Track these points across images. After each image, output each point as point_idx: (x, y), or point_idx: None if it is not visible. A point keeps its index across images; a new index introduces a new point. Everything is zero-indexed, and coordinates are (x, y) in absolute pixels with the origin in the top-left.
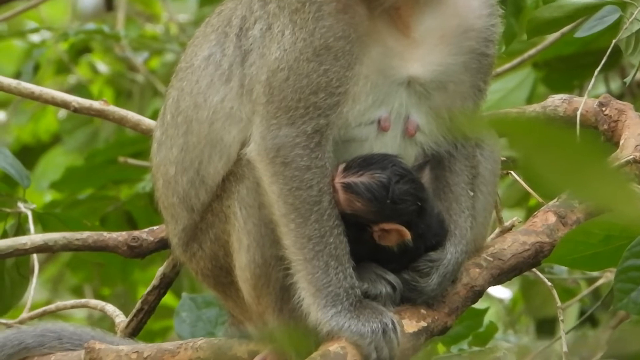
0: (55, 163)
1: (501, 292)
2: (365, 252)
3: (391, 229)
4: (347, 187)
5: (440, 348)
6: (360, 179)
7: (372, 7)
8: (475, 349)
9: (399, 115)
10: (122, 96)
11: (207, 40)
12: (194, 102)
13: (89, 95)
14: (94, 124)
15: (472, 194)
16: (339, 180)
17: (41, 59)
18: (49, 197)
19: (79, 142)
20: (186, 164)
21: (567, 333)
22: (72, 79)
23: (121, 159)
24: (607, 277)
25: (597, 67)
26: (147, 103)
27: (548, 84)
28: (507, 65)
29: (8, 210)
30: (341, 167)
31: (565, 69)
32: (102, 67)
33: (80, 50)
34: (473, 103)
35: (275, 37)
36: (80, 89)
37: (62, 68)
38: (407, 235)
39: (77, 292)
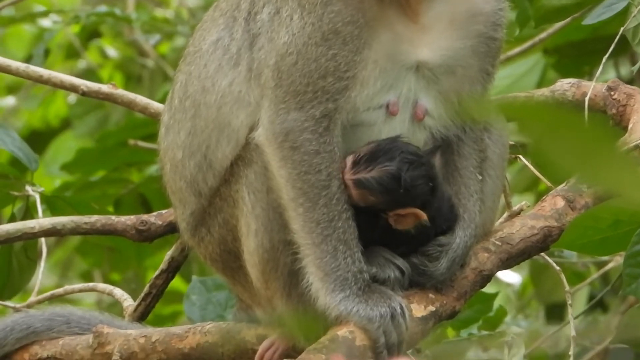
0: (65, 147)
1: (511, 276)
2: (376, 236)
3: (407, 213)
4: (359, 184)
5: (450, 332)
6: (370, 174)
7: None
8: (485, 333)
9: (408, 99)
10: (132, 81)
11: (216, 25)
12: (202, 86)
13: (98, 80)
14: (104, 108)
15: (480, 177)
16: (349, 176)
17: (51, 43)
18: (59, 182)
19: (89, 126)
20: (193, 148)
21: (576, 318)
22: (81, 64)
23: (131, 141)
24: (616, 261)
25: (606, 53)
26: (157, 88)
27: (558, 70)
28: (516, 50)
29: (16, 193)
30: (349, 160)
31: (576, 55)
32: (112, 52)
33: (90, 35)
34: (481, 87)
35: (283, 21)
36: (89, 74)
37: (72, 53)
38: (424, 216)
39: (86, 277)
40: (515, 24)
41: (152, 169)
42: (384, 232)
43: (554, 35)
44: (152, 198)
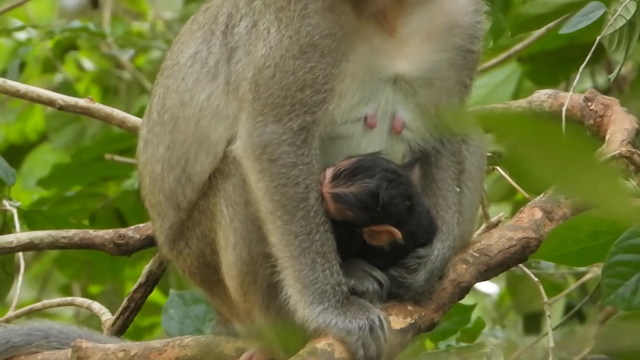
0: (42, 161)
1: (488, 287)
2: (353, 249)
3: (381, 230)
4: (337, 198)
5: (428, 344)
6: (349, 190)
7: (359, 9)
8: (463, 344)
9: (386, 112)
10: (109, 94)
11: (194, 38)
12: (181, 99)
13: (75, 93)
14: (81, 121)
15: (458, 189)
16: (327, 189)
17: (27, 57)
18: (36, 195)
19: (66, 139)
20: (172, 162)
21: (554, 329)
22: (58, 77)
23: (108, 156)
24: (594, 272)
25: (583, 61)
26: (134, 100)
27: (533, 78)
28: (493, 61)
29: None
30: (329, 173)
31: (551, 63)
32: (89, 64)
33: (66, 48)
34: (459, 99)
35: (261, 34)
36: (66, 87)
37: (49, 66)
38: (398, 234)
39: (65, 291)
40: (489, 35)
41: (128, 183)
42: (361, 246)
43: (530, 44)
44: (128, 212)
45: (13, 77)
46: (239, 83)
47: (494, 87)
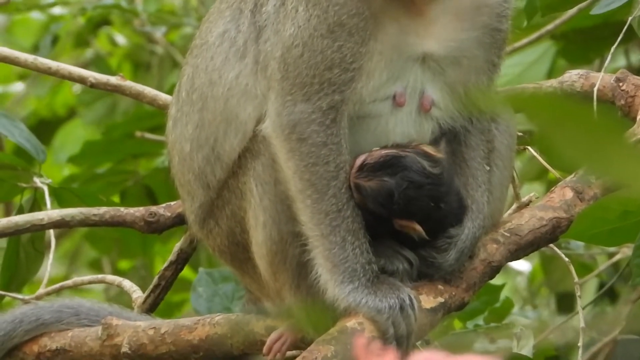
0: (73, 136)
1: (521, 264)
2: (384, 231)
3: (404, 225)
4: (357, 188)
5: (457, 324)
6: (368, 184)
7: None
8: (492, 324)
9: (414, 90)
10: (141, 69)
11: (222, 17)
12: (209, 79)
13: (107, 68)
14: (112, 96)
15: (488, 168)
16: (352, 178)
17: (60, 32)
18: (67, 170)
19: (97, 114)
20: (201, 141)
21: (584, 308)
22: (90, 52)
23: (138, 133)
24: (623, 252)
25: (615, 39)
26: (166, 75)
27: (566, 56)
28: (525, 40)
29: (24, 185)
30: (357, 162)
31: (584, 42)
32: (121, 39)
33: (99, 23)
34: (487, 78)
35: (289, 13)
36: (98, 62)
37: (81, 41)
38: (420, 231)
39: (95, 266)
40: (523, 14)
41: (159, 161)
42: (389, 229)
43: (562, 23)
44: (158, 190)
45: (45, 53)
46: (267, 62)
47: (527, 65)
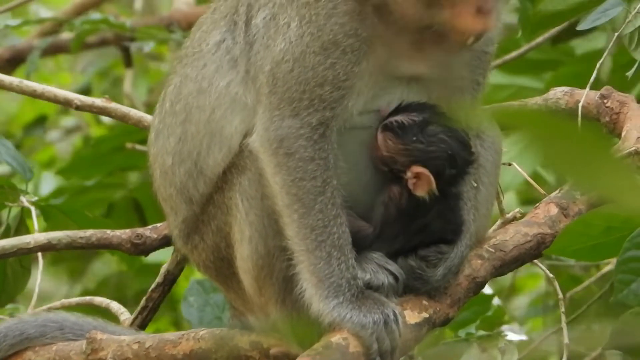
0: None
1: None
2: (397, 215)
3: (420, 174)
4: (385, 127)
5: (448, 333)
6: (395, 118)
7: (383, 17)
8: (483, 333)
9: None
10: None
11: (217, 27)
12: (198, 87)
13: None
14: None
15: (475, 184)
16: (384, 118)
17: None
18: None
19: None
20: (183, 155)
21: (568, 322)
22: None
23: (128, 145)
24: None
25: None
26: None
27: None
28: (513, 54)
29: (10, 204)
30: (388, 112)
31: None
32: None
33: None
34: (471, 96)
35: (280, 28)
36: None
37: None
38: (433, 183)
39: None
40: (517, 25)
41: (147, 174)
42: (406, 205)
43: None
44: (146, 203)
45: (32, 67)
46: (257, 75)
47: (519, 88)
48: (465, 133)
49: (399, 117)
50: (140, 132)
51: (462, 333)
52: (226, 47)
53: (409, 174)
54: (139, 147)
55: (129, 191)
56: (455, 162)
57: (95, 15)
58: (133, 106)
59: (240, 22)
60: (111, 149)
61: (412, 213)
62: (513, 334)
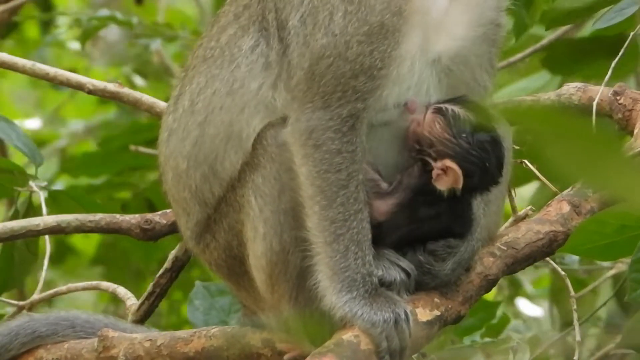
0: None
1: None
2: (409, 195)
3: (450, 169)
4: (438, 110)
5: (451, 338)
6: (453, 107)
7: None
8: (488, 340)
9: (426, 97)
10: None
11: (247, 32)
12: (228, 88)
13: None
14: None
15: None
16: (434, 104)
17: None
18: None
19: None
20: (200, 159)
21: (581, 324)
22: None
23: (132, 147)
24: (618, 267)
25: (604, 53)
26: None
27: (547, 65)
28: (519, 55)
29: (20, 189)
30: (445, 98)
31: (569, 53)
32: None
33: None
34: (488, 76)
35: (320, 23)
36: None
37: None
38: (460, 182)
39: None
40: (512, 32)
41: (157, 174)
42: (421, 188)
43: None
44: (159, 202)
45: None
46: (294, 73)
47: (533, 91)
48: (504, 153)
49: (456, 108)
50: (148, 131)
51: (467, 340)
52: (261, 51)
53: (439, 164)
54: (142, 149)
55: (141, 190)
56: (485, 176)
57: (103, 11)
58: (162, 63)
59: (272, 29)
60: (119, 148)
61: (423, 199)
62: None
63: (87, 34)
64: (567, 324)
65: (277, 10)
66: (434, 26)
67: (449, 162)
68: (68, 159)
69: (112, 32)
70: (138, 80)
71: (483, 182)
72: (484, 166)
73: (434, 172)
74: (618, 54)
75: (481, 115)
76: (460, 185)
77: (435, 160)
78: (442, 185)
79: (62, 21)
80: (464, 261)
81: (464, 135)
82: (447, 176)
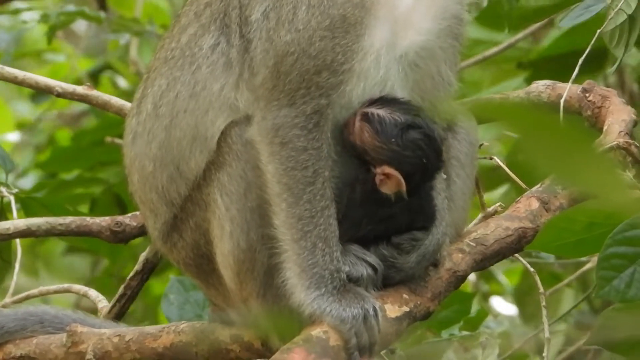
0: None
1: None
2: (361, 196)
3: (391, 175)
4: (364, 116)
5: (429, 334)
6: (378, 111)
7: None
8: (466, 333)
9: (390, 92)
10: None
11: (207, 31)
12: (190, 91)
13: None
14: None
15: (445, 177)
16: (361, 109)
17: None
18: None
19: None
20: (166, 161)
21: (551, 323)
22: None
23: (108, 139)
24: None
25: (585, 67)
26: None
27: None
28: (493, 50)
29: None
30: (371, 99)
31: (553, 70)
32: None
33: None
34: (453, 71)
35: (284, 18)
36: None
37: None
38: (403, 186)
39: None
40: (503, 20)
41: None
42: (369, 194)
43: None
44: (128, 198)
45: (8, 60)
46: (257, 71)
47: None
48: (440, 138)
49: (381, 112)
50: (119, 126)
51: (445, 334)
52: (221, 50)
53: (379, 170)
54: (118, 140)
55: (110, 186)
56: (426, 171)
57: (70, 7)
58: (138, 72)
59: (234, 25)
60: (92, 143)
61: (376, 202)
62: (492, 326)
63: (54, 30)
64: (537, 319)
65: (241, 6)
66: (401, 20)
67: (387, 169)
68: (42, 151)
69: (82, 25)
70: (121, 82)
71: (426, 176)
72: (423, 164)
73: (377, 178)
74: (597, 65)
75: (410, 109)
76: (404, 187)
77: (374, 166)
78: (387, 189)
79: (30, 16)
80: (429, 254)
81: (393, 139)
82: (390, 181)
